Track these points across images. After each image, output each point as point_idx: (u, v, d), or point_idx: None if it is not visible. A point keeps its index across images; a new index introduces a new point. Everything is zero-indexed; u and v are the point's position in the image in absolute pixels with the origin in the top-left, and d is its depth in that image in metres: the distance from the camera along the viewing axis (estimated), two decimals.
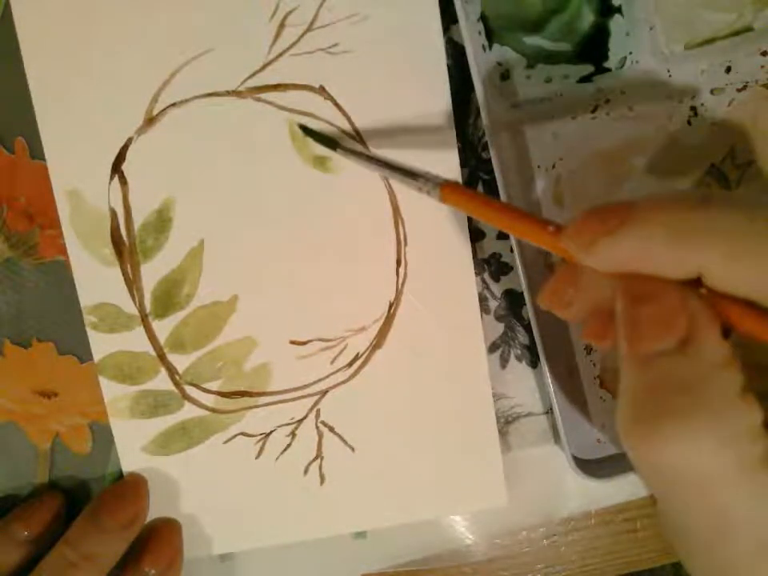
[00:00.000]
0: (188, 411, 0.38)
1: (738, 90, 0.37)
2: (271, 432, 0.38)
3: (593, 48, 0.36)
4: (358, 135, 0.36)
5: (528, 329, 0.38)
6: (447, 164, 0.36)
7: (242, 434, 0.38)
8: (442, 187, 0.31)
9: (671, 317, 0.23)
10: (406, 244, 0.37)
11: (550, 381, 0.36)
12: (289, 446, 0.38)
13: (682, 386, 0.22)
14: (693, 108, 0.37)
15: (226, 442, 0.38)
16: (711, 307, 0.24)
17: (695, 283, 0.24)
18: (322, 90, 0.36)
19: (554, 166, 0.37)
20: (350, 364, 0.38)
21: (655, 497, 0.25)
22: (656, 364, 0.23)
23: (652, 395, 0.23)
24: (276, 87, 0.36)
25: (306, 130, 0.36)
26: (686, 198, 0.24)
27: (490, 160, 0.35)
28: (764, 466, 0.22)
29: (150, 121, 0.36)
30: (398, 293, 0.37)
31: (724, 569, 0.23)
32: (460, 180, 0.36)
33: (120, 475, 0.38)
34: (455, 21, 0.34)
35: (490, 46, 0.36)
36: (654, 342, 0.23)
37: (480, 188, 0.38)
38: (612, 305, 0.26)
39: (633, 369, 0.24)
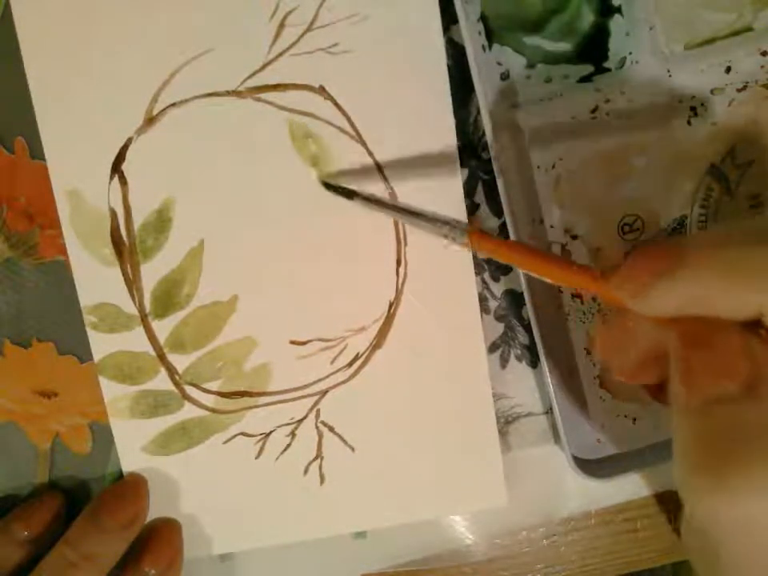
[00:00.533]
0: (188, 411, 0.38)
1: (738, 90, 0.37)
2: (271, 432, 0.38)
3: (593, 48, 0.36)
4: (357, 135, 0.36)
5: (528, 329, 0.38)
6: (447, 164, 0.36)
7: (242, 433, 0.38)
8: (469, 235, 0.31)
9: (732, 360, 0.23)
10: (405, 244, 0.37)
11: (549, 381, 0.36)
12: (289, 446, 0.38)
13: (746, 434, 0.21)
14: (693, 108, 0.37)
15: (225, 442, 0.38)
16: None
17: (753, 324, 0.23)
18: (321, 90, 0.36)
19: (553, 166, 0.37)
20: (350, 364, 0.38)
21: (710, 545, 0.24)
22: (717, 411, 0.22)
23: (714, 444, 0.22)
24: (276, 87, 0.36)
25: (326, 185, 0.36)
26: (742, 234, 0.23)
27: (489, 160, 0.35)
28: None
29: (150, 121, 0.36)
30: (398, 293, 0.37)
31: None
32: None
33: (120, 475, 0.38)
34: (455, 21, 0.34)
35: (490, 46, 0.36)
36: (714, 387, 0.22)
37: (480, 188, 0.38)
38: (657, 349, 0.25)
39: (692, 416, 0.23)
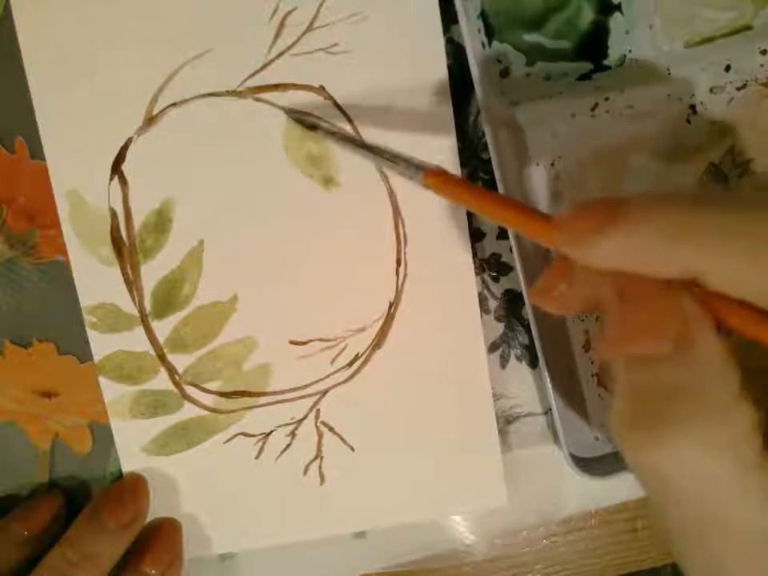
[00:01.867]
0: (188, 411, 0.38)
1: (738, 89, 0.37)
2: (271, 432, 0.38)
3: (592, 46, 0.36)
4: (357, 135, 0.36)
5: (528, 329, 0.38)
6: (447, 164, 0.36)
7: (242, 433, 0.38)
8: (425, 173, 0.30)
9: (663, 319, 0.23)
10: (406, 244, 0.37)
11: (548, 379, 0.36)
12: (289, 445, 0.38)
13: (677, 390, 0.22)
14: (692, 107, 0.37)
15: (226, 442, 0.38)
16: (704, 307, 0.23)
17: (687, 283, 0.23)
18: (321, 90, 0.36)
19: (552, 164, 0.37)
20: (350, 364, 0.38)
21: (649, 498, 0.25)
22: (650, 367, 0.23)
23: (647, 399, 0.23)
24: (276, 87, 0.36)
25: (288, 113, 0.36)
26: (684, 196, 0.24)
27: (489, 160, 0.35)
28: (757, 465, 0.22)
29: (150, 121, 0.36)
30: (398, 293, 0.37)
31: (717, 566, 0.23)
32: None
33: (120, 475, 0.38)
34: (455, 21, 0.34)
35: (490, 44, 0.36)
36: (646, 344, 0.23)
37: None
38: (593, 299, 0.25)
39: (626, 372, 0.24)
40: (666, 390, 0.22)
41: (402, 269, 0.37)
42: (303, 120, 0.36)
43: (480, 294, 0.38)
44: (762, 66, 0.37)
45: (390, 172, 0.33)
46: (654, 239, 0.23)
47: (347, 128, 0.36)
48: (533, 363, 0.39)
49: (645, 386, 0.23)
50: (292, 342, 0.37)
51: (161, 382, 0.37)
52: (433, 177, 0.30)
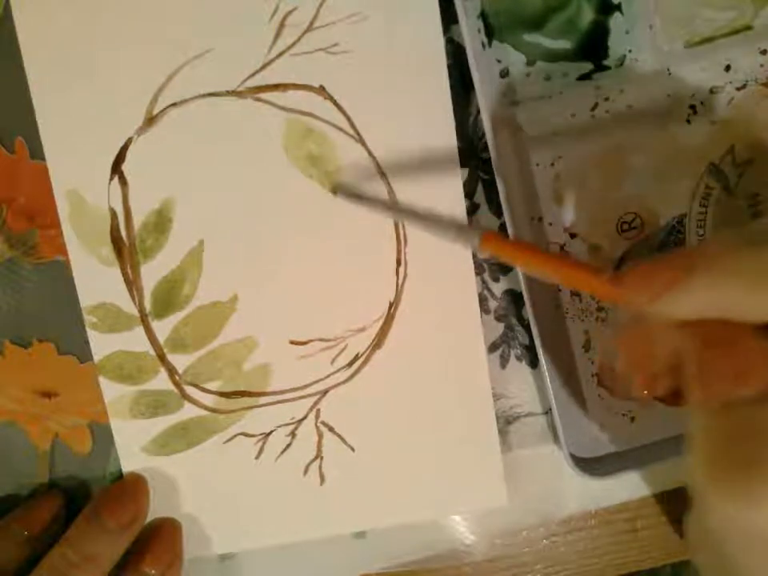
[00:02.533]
0: (188, 411, 0.38)
1: (738, 89, 0.37)
2: (271, 432, 0.38)
3: (592, 46, 0.36)
4: (357, 135, 0.36)
5: (528, 329, 0.38)
6: (447, 164, 0.36)
7: (242, 433, 0.38)
8: (482, 237, 0.31)
9: (750, 363, 0.22)
10: (405, 244, 0.37)
11: (548, 379, 0.36)
12: (289, 445, 0.38)
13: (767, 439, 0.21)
14: (692, 107, 0.37)
15: (226, 442, 0.38)
16: None
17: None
18: (321, 90, 0.36)
19: (552, 164, 0.37)
20: (350, 364, 0.38)
21: (725, 550, 0.24)
22: (736, 412, 0.22)
23: (734, 446, 0.22)
24: (276, 87, 0.36)
25: (336, 189, 0.36)
26: (753, 238, 0.23)
27: (489, 160, 0.35)
28: None
29: (150, 121, 0.36)
30: (398, 293, 0.37)
31: None
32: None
33: (120, 475, 0.38)
34: (455, 21, 0.34)
35: (490, 44, 0.36)
36: (732, 390, 0.22)
37: (480, 187, 0.38)
38: (673, 359, 0.25)
39: (711, 420, 0.23)
40: (755, 436, 0.21)
41: (402, 269, 0.37)
42: (351, 193, 0.36)
43: (480, 294, 0.38)
44: (761, 66, 0.37)
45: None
46: (732, 286, 0.23)
47: (347, 128, 0.36)
48: (533, 363, 0.39)
49: (729, 431, 0.22)
50: (292, 342, 0.37)
51: (161, 382, 0.37)
52: (489, 242, 0.31)
